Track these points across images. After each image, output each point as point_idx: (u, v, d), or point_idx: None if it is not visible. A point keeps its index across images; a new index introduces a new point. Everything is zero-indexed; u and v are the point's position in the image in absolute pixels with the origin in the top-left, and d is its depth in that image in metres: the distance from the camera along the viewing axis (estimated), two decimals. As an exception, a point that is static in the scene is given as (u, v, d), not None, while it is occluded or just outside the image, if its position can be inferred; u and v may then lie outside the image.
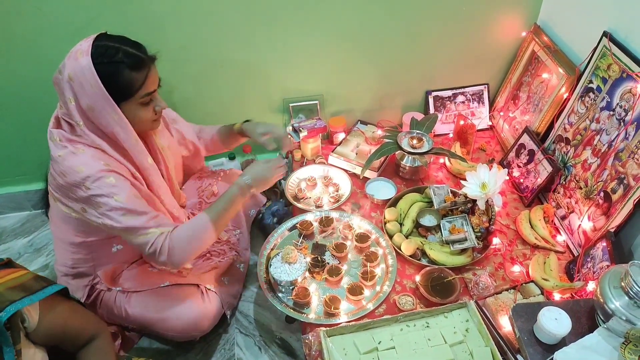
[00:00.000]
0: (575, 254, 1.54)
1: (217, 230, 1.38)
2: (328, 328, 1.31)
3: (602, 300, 1.10)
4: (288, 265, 1.48)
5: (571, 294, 1.39)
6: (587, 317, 1.22)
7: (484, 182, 1.53)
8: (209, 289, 1.54)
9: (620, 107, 1.42)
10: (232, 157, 2.06)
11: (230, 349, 1.63)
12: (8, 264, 1.00)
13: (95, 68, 1.16)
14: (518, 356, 1.22)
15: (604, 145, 1.47)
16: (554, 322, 1.15)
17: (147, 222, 1.25)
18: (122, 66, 1.20)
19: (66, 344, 1.08)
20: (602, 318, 1.14)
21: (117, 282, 1.48)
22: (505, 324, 1.32)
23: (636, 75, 1.36)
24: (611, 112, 1.46)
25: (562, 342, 1.16)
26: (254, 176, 1.45)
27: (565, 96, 1.67)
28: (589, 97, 1.56)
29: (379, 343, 1.28)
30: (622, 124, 1.41)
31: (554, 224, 1.65)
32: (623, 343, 1.02)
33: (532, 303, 1.30)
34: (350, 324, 1.33)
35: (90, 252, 1.42)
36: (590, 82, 1.55)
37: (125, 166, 1.29)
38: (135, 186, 1.29)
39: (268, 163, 1.50)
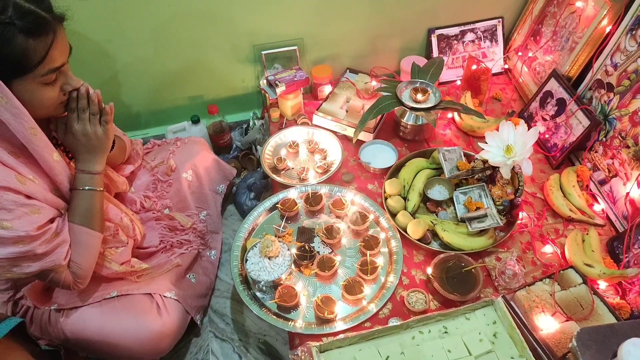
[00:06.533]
0: (618, 227, 1.31)
1: (101, 229, 1.14)
2: (321, 342, 1.09)
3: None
4: (268, 260, 1.20)
5: (620, 282, 1.15)
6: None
7: (509, 144, 1.24)
8: (167, 297, 1.25)
9: (690, 41, 1.11)
10: (195, 120, 1.72)
11: (204, 358, 1.38)
12: None
13: None
14: (564, 368, 0.97)
15: (662, 92, 1.18)
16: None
17: (43, 261, 1.00)
18: (13, 29, 0.86)
19: None
20: None
21: (48, 299, 1.19)
22: (543, 325, 1.08)
23: None
24: (674, 49, 1.15)
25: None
26: (82, 157, 1.08)
27: (607, 30, 1.39)
28: (642, 29, 1.25)
29: (386, 358, 1.07)
30: (691, 64, 1.10)
31: (590, 190, 1.39)
32: None
33: (603, 327, 1.00)
34: (349, 334, 1.10)
35: None
36: (645, 9, 1.24)
37: (15, 170, 0.95)
38: (31, 196, 0.97)
39: (74, 127, 1.05)
